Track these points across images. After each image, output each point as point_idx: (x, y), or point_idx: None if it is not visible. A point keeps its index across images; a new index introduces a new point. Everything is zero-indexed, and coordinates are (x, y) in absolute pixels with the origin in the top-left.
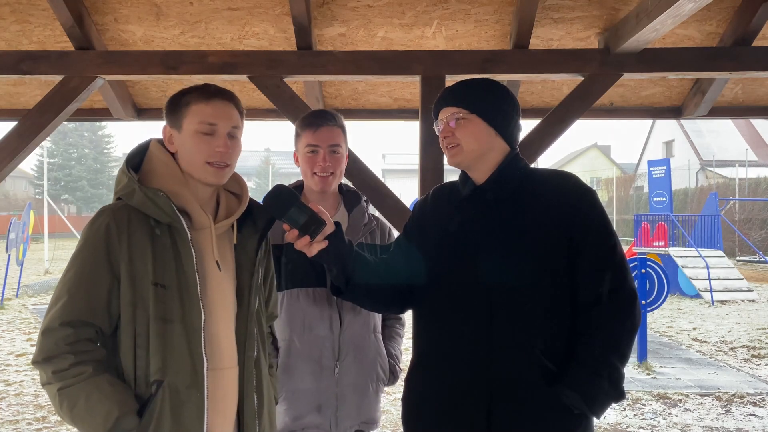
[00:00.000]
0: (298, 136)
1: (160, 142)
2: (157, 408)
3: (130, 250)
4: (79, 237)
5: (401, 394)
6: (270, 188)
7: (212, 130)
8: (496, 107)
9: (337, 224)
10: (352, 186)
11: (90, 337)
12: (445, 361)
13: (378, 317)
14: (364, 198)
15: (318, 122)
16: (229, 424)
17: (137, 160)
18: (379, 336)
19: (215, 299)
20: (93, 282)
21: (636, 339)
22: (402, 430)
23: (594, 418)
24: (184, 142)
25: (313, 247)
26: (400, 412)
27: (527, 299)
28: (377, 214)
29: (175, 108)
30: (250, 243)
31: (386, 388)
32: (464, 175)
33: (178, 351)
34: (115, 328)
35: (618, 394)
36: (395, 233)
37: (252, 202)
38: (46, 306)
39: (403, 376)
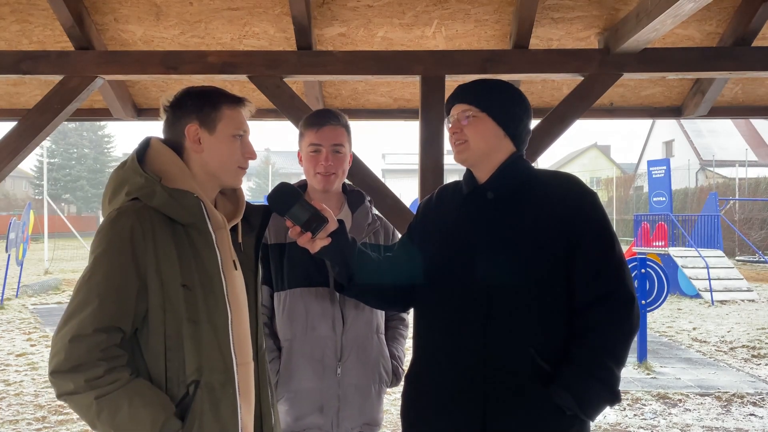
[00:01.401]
0: (301, 135)
1: (160, 140)
2: (198, 408)
3: (156, 252)
4: (78, 237)
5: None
6: (271, 188)
7: (243, 135)
8: (507, 108)
9: (341, 222)
10: (356, 186)
11: (117, 343)
12: (443, 359)
13: (381, 318)
14: (368, 198)
15: (321, 122)
16: (252, 416)
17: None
18: (382, 337)
19: (235, 297)
20: (123, 286)
21: (636, 339)
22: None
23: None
24: (218, 144)
25: (315, 243)
26: (399, 411)
27: (524, 299)
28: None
29: (209, 110)
30: (247, 241)
31: (387, 389)
32: (468, 174)
33: (210, 350)
34: (134, 331)
35: (612, 397)
36: (399, 234)
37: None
38: (46, 306)
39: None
